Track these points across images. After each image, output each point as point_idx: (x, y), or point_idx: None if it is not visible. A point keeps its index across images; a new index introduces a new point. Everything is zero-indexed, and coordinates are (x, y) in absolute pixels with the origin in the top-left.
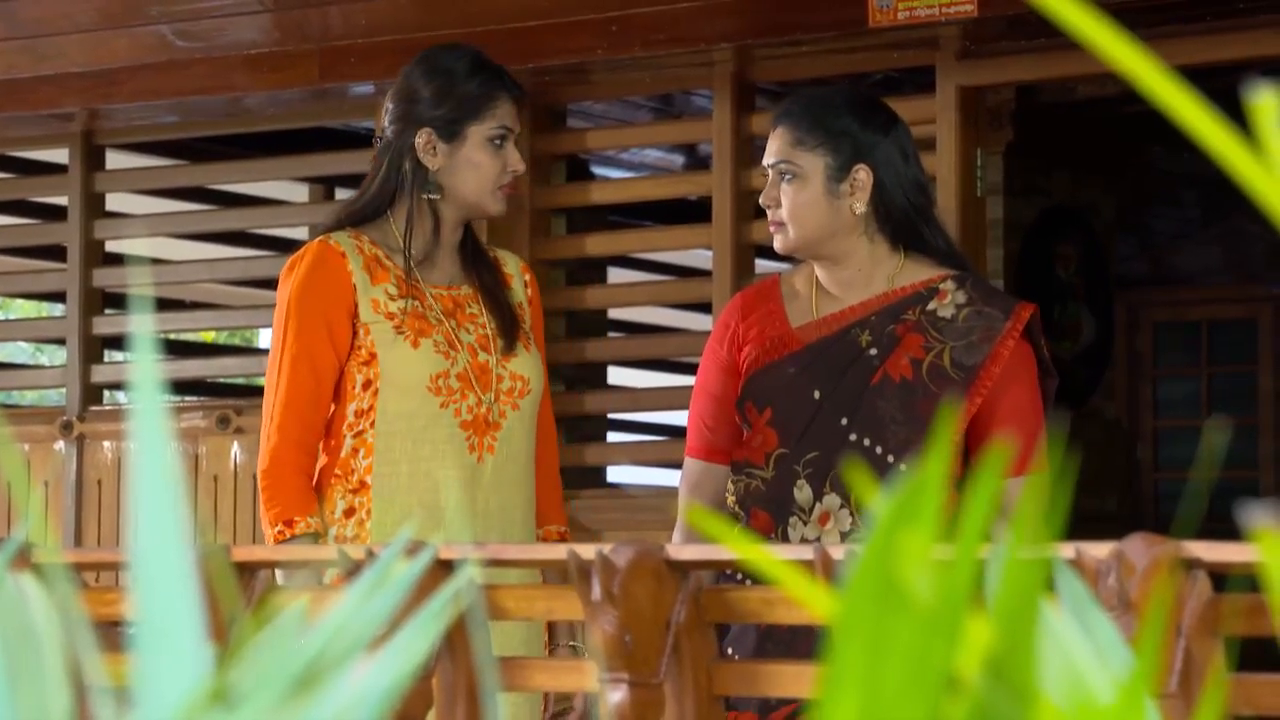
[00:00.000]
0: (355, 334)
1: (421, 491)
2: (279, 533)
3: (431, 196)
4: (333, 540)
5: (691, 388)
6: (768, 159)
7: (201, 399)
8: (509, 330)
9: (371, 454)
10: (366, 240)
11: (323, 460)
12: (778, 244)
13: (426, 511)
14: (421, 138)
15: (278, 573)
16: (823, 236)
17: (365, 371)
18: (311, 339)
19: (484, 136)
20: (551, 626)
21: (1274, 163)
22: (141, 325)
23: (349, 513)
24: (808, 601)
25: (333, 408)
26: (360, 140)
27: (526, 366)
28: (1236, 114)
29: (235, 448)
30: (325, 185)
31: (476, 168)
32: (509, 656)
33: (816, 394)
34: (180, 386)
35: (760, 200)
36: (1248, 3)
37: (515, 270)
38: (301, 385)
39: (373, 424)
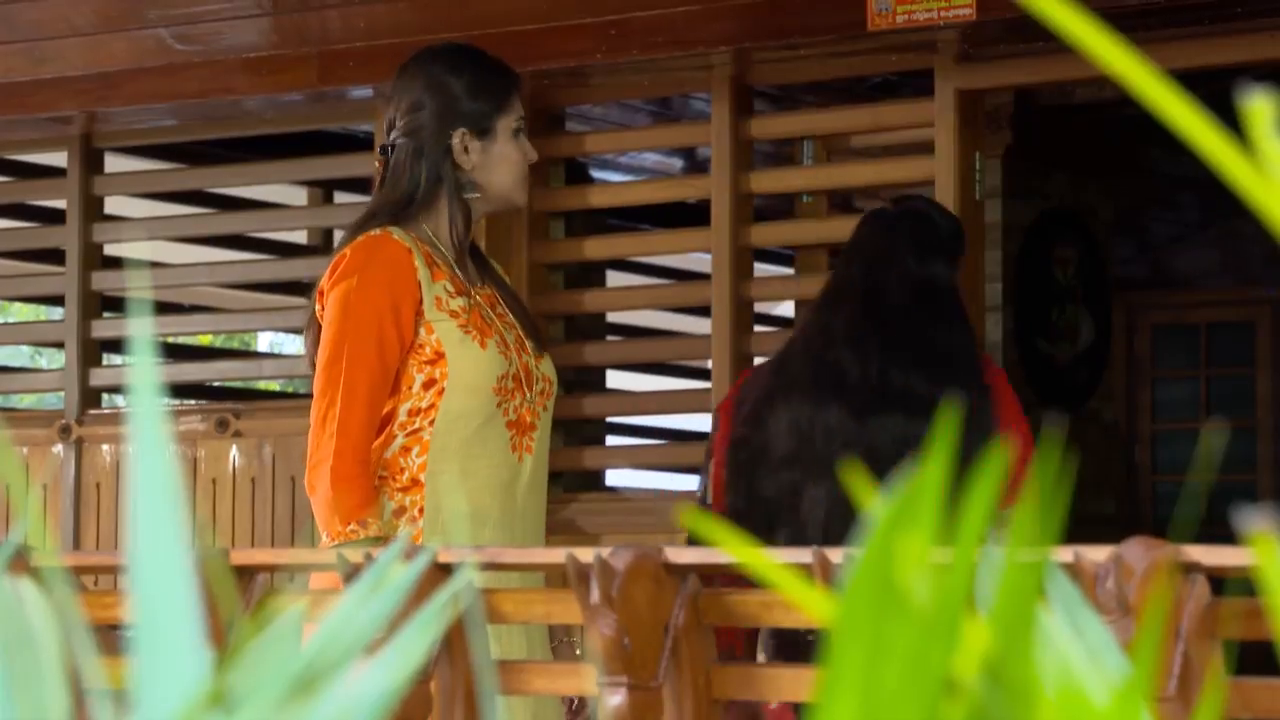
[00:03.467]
0: (416, 331)
1: (470, 490)
2: (351, 531)
3: (473, 195)
4: None
5: (691, 391)
6: None
7: (200, 402)
8: (536, 331)
9: (426, 452)
10: (413, 237)
11: None
12: None
13: (474, 511)
14: (456, 138)
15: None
16: None
17: (429, 370)
18: (383, 329)
19: (510, 128)
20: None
21: (1269, 167)
22: (140, 329)
23: (399, 512)
24: (806, 605)
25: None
26: (359, 144)
27: (550, 368)
28: (1232, 118)
29: (234, 451)
30: (324, 189)
31: (508, 160)
32: (508, 660)
33: None
34: (179, 390)
35: None
36: (1244, 7)
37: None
38: (372, 374)
39: (431, 422)
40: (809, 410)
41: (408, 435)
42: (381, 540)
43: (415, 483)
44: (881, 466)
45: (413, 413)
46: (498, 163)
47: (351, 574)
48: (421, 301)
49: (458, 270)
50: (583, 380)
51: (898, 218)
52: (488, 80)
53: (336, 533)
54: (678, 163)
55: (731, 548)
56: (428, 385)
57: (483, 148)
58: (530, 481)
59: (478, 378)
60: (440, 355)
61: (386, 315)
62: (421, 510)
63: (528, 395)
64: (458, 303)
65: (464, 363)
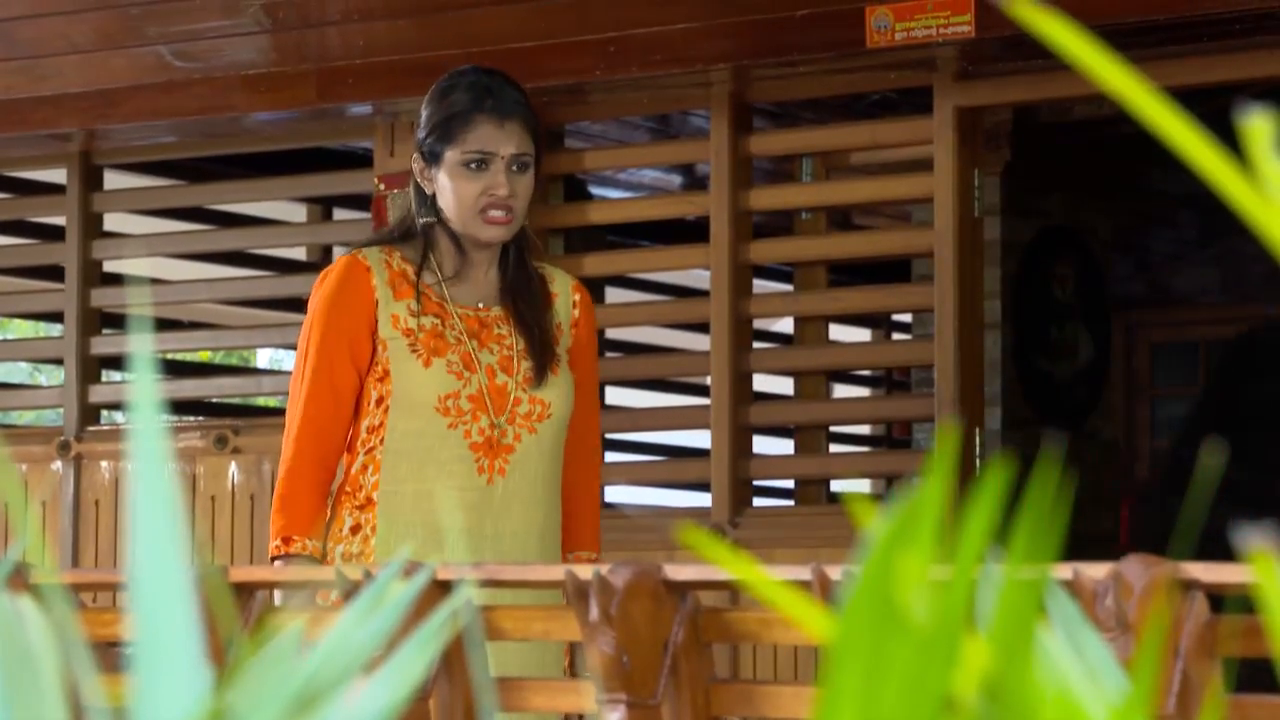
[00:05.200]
0: (375, 350)
1: (425, 511)
2: (275, 548)
3: (426, 220)
4: (339, 557)
5: (690, 408)
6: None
7: (199, 419)
8: (539, 354)
9: (379, 471)
10: (398, 256)
11: (339, 477)
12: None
13: (429, 531)
14: (416, 163)
15: (276, 594)
16: None
17: (379, 388)
18: (332, 354)
19: (457, 161)
20: (573, 649)
21: (1267, 185)
22: (139, 345)
23: (355, 529)
24: (805, 622)
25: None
26: (358, 160)
27: (550, 391)
28: (1231, 136)
29: (233, 468)
30: (323, 205)
31: (450, 193)
32: (507, 677)
33: None
34: (178, 406)
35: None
36: (1242, 24)
37: (564, 289)
38: (321, 400)
39: (382, 441)
40: (1177, 504)
41: (366, 453)
42: (317, 560)
43: (370, 501)
44: (1221, 549)
45: (369, 430)
46: (442, 193)
47: (350, 592)
48: (377, 320)
49: (444, 288)
50: None
51: (1245, 344)
52: (446, 108)
53: (272, 548)
54: (677, 179)
55: (730, 565)
56: (379, 403)
57: (434, 176)
58: (505, 505)
59: (417, 395)
60: (388, 373)
61: (340, 336)
62: (375, 529)
63: (496, 418)
64: (415, 321)
65: (404, 380)
